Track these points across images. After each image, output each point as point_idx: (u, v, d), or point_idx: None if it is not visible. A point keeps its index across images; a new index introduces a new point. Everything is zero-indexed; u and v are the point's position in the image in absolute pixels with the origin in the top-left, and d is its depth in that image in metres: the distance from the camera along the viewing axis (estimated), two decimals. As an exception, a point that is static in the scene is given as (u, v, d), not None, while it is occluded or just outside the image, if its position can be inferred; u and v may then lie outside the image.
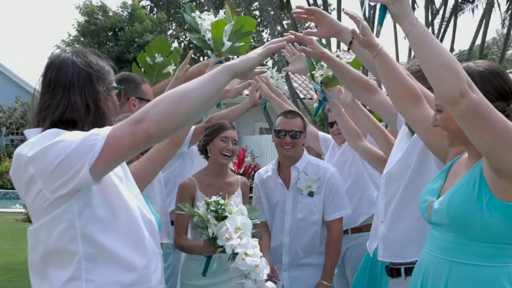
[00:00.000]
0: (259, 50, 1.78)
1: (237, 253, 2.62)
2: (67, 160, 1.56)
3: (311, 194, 3.29)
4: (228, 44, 2.83)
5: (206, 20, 2.91)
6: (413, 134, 2.53)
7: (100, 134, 1.57)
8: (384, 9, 1.92)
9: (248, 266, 2.61)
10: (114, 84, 1.85)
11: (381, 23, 2.01)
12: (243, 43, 2.94)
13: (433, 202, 1.99)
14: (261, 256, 2.68)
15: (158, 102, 1.60)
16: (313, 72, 3.15)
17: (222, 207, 2.73)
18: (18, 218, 12.60)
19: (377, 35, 2.17)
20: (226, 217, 2.70)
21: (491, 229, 1.82)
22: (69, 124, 1.70)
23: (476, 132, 1.73)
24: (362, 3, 2.15)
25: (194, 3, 26.94)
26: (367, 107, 3.06)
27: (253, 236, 2.78)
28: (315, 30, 2.46)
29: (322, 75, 3.11)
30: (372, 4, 1.99)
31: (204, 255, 2.87)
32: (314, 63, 3.14)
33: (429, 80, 1.82)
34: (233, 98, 3.01)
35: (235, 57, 2.70)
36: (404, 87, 2.25)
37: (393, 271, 2.58)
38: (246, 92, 4.42)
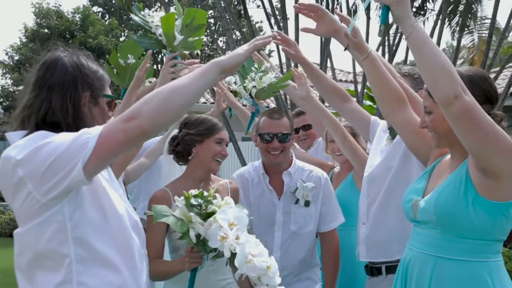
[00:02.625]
0: (245, 47, 1.83)
1: (235, 255, 2.05)
2: (59, 160, 1.52)
3: (307, 203, 2.88)
4: (180, 37, 2.76)
5: (155, 16, 2.87)
6: (394, 138, 2.61)
7: (92, 133, 1.55)
8: (386, 9, 1.96)
9: (259, 269, 2.02)
10: (107, 92, 1.83)
11: (384, 22, 2.05)
12: (197, 38, 2.88)
13: (418, 201, 2.05)
14: (270, 255, 2.13)
15: (150, 99, 1.60)
16: (245, 84, 3.15)
17: (207, 199, 2.14)
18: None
19: (380, 35, 2.22)
20: (213, 212, 2.13)
21: (475, 226, 1.89)
22: (53, 126, 1.67)
23: (467, 133, 1.81)
24: (364, 1, 2.19)
25: (146, 10, 26.71)
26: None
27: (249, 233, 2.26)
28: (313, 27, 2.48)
29: (255, 86, 3.12)
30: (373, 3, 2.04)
31: (188, 268, 2.26)
32: (245, 75, 3.16)
33: (425, 81, 1.89)
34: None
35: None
36: (390, 91, 2.32)
37: (373, 269, 2.63)
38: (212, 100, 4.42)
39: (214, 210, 2.13)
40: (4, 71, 24.09)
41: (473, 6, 9.11)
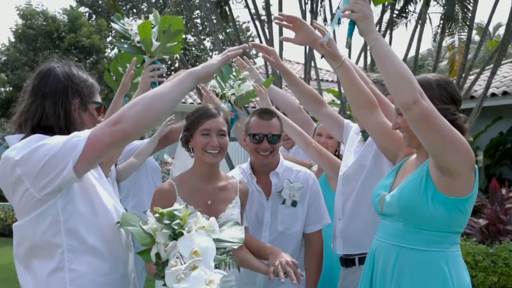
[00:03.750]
0: (218, 57, 2.02)
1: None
2: (52, 160, 1.70)
3: (294, 204, 2.86)
4: (156, 44, 2.92)
5: (133, 25, 3.04)
6: (366, 139, 2.81)
7: (81, 136, 1.74)
8: (353, 24, 2.15)
9: None
10: (97, 99, 2.01)
11: (350, 35, 2.24)
12: (175, 43, 3.04)
13: (385, 195, 2.24)
14: None
15: (133, 104, 1.79)
16: (224, 91, 3.29)
17: (177, 221, 1.84)
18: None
19: (347, 46, 2.38)
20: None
21: (434, 219, 2.08)
22: (47, 129, 1.85)
23: (425, 134, 2.00)
24: (335, 17, 2.37)
25: (135, 10, 26.74)
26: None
27: (227, 265, 2.05)
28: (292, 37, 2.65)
29: (234, 94, 3.26)
30: (342, 19, 2.19)
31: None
32: (223, 83, 3.29)
33: (388, 88, 2.08)
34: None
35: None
36: (362, 96, 2.51)
37: (348, 261, 2.83)
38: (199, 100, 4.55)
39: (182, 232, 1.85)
40: None
41: (454, 9, 9.35)
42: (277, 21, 2.67)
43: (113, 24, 3.13)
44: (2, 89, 23.81)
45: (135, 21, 3.06)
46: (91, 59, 23.75)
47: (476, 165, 2.10)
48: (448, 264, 2.09)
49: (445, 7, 8.87)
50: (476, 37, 17.79)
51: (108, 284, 1.86)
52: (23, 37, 22.23)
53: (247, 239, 2.48)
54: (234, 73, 3.26)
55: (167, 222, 1.84)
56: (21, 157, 1.73)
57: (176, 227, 1.82)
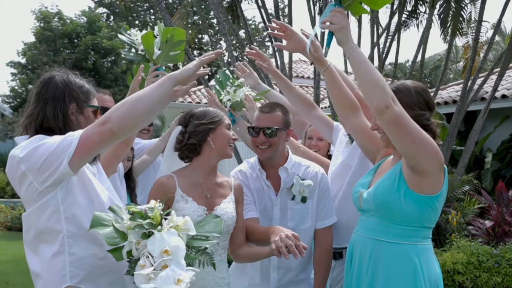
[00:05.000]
0: (194, 62, 2.24)
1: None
2: (50, 157, 1.95)
3: (304, 199, 2.82)
4: (158, 52, 3.17)
5: (138, 35, 3.32)
6: (353, 141, 2.98)
7: (75, 135, 1.98)
8: (331, 34, 2.32)
9: None
10: (93, 102, 2.25)
11: (328, 45, 2.42)
12: (178, 51, 3.25)
13: (363, 192, 2.42)
14: None
15: (119, 106, 2.01)
16: (221, 97, 3.43)
17: (148, 220, 1.88)
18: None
19: (325, 55, 2.58)
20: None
21: (406, 214, 2.24)
22: (48, 131, 2.09)
23: (397, 136, 2.16)
24: (316, 25, 2.54)
25: (152, 11, 27.08)
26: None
27: (202, 264, 2.04)
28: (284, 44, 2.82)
29: (230, 100, 3.40)
30: (322, 30, 2.36)
31: None
32: (221, 90, 3.46)
33: (363, 93, 2.26)
34: (183, 96, 2.74)
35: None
36: (346, 99, 2.68)
37: (336, 254, 2.99)
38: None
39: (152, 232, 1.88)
40: (16, 71, 24.47)
41: (463, 10, 9.39)
42: (269, 29, 2.85)
43: (119, 35, 3.39)
44: (23, 89, 24.42)
45: (139, 32, 3.32)
46: (109, 60, 24.16)
47: (445, 166, 2.27)
48: (419, 256, 2.25)
49: (442, 9, 8.94)
50: (496, 37, 17.65)
51: (103, 267, 2.07)
52: (42, 38, 22.76)
53: (254, 229, 2.66)
54: (231, 80, 3.42)
55: (139, 221, 1.87)
56: (24, 155, 1.97)
57: (147, 227, 1.85)
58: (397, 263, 2.25)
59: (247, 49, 2.75)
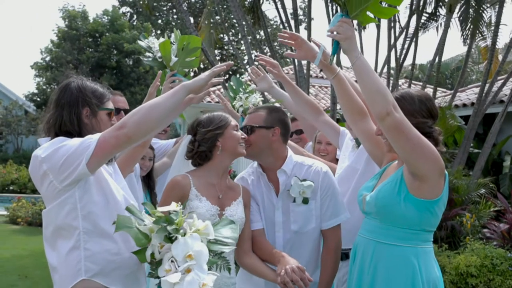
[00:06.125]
0: (207, 73, 2.39)
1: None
2: (70, 158, 2.10)
3: (305, 201, 2.77)
4: (174, 59, 3.33)
5: (155, 43, 3.49)
6: (359, 146, 3.07)
7: (93, 138, 2.12)
8: (337, 43, 2.41)
9: None
10: (107, 105, 2.39)
11: (334, 53, 2.53)
12: (193, 58, 3.40)
13: (366, 195, 2.51)
14: None
15: (135, 112, 2.15)
16: (233, 103, 3.56)
17: (173, 225, 1.92)
18: (0, 220, 13.06)
19: (330, 63, 2.69)
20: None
21: (406, 218, 2.33)
22: (67, 133, 2.26)
23: (398, 143, 2.24)
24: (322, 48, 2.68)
25: (175, 10, 27.32)
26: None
27: (219, 268, 2.14)
28: (294, 52, 2.92)
29: (242, 105, 3.53)
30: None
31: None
32: (234, 95, 3.60)
33: (365, 100, 2.35)
34: (197, 103, 2.76)
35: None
36: (354, 105, 2.78)
37: (342, 255, 3.08)
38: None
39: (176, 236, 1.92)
40: (39, 72, 25.03)
41: (483, 13, 9.36)
42: (280, 38, 2.95)
43: (139, 41, 3.57)
44: (48, 85, 24.91)
45: (157, 39, 3.51)
46: (132, 58, 24.46)
47: (446, 171, 2.35)
48: (418, 258, 2.33)
49: (462, 11, 8.91)
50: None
51: (117, 263, 2.21)
52: (66, 37, 23.19)
53: (261, 245, 2.73)
54: (243, 86, 3.56)
55: (163, 225, 1.91)
56: (46, 156, 2.13)
57: (171, 232, 1.88)
58: (396, 264, 2.33)
59: (254, 54, 2.85)
